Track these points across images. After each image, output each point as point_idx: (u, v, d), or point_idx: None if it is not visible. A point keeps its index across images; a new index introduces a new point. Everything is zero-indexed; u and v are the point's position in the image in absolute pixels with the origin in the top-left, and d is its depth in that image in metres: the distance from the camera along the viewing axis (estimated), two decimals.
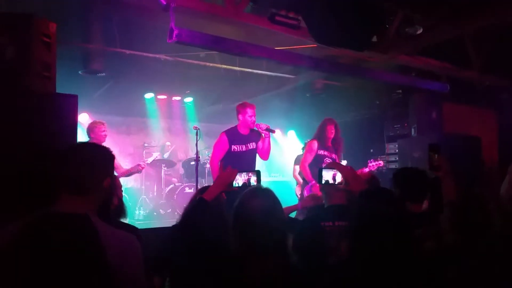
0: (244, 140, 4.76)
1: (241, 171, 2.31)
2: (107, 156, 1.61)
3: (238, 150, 4.71)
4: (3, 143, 2.21)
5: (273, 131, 4.77)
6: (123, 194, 7.84)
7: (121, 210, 2.78)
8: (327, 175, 2.37)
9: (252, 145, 4.80)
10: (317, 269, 1.88)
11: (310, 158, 5.45)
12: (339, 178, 2.36)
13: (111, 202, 2.58)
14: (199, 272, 2.14)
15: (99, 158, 1.58)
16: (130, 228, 2.66)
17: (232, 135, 4.75)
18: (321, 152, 5.46)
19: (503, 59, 5.95)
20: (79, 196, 1.50)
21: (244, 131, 4.80)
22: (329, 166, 2.50)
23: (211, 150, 5.00)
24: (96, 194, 1.55)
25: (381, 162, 5.98)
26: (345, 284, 1.48)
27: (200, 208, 2.17)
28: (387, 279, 1.41)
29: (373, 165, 5.89)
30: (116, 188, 2.81)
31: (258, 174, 2.32)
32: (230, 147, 4.69)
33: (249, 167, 4.63)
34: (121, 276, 1.41)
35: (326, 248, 2.18)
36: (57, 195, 1.49)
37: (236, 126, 4.85)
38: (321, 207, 2.71)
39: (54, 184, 1.52)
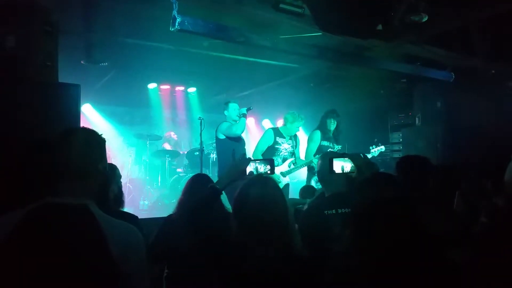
0: None
1: (255, 160, 2.32)
2: (100, 139, 1.59)
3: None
4: (5, 134, 2.20)
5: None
6: (128, 184, 7.83)
7: (120, 199, 2.79)
8: (337, 164, 2.37)
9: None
10: (322, 257, 1.88)
11: (315, 149, 5.53)
12: (348, 167, 2.37)
13: (110, 189, 2.57)
14: (199, 260, 2.13)
15: (92, 140, 1.56)
16: (130, 217, 2.66)
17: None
18: (324, 143, 5.55)
19: (508, 46, 5.87)
20: (78, 180, 1.48)
21: None
22: (340, 156, 2.49)
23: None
24: (94, 178, 1.54)
25: (383, 147, 5.90)
26: (350, 272, 1.47)
27: (213, 197, 2.12)
28: (390, 265, 1.40)
29: (375, 150, 5.84)
30: (115, 177, 2.81)
31: (271, 163, 2.32)
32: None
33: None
34: (124, 268, 1.40)
35: (331, 236, 2.18)
36: (55, 183, 1.47)
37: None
38: (322, 196, 2.71)
39: (52, 172, 1.50)
